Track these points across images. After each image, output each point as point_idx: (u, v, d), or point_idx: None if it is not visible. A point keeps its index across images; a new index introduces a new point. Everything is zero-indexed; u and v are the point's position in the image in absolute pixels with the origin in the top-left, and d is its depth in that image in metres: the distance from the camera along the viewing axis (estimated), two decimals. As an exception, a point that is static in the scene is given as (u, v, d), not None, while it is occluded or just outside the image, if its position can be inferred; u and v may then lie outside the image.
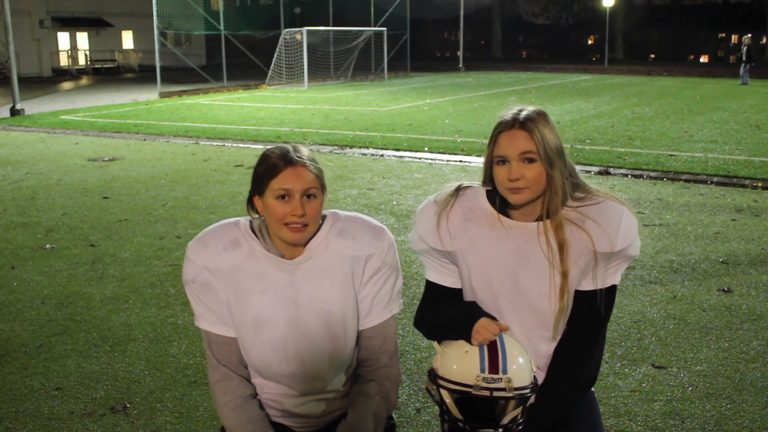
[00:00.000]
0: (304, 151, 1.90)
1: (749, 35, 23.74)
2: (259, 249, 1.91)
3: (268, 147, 1.96)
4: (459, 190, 2.03)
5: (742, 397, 3.40)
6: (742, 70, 25.24)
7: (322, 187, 1.90)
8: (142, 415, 3.26)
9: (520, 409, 1.87)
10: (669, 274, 5.17)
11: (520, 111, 1.91)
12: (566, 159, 1.92)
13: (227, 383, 1.96)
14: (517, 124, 1.88)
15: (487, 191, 2.00)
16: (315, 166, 1.89)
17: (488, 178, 1.97)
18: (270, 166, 1.86)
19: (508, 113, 1.93)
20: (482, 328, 1.88)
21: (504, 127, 1.90)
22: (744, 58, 25.04)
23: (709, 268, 5.29)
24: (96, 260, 5.57)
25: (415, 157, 10.33)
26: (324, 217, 1.96)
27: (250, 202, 1.94)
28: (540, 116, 1.90)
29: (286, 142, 2.07)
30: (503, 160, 1.89)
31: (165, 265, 5.41)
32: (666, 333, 4.15)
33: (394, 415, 2.15)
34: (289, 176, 1.84)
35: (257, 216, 1.94)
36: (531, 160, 1.87)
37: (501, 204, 1.96)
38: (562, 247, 1.91)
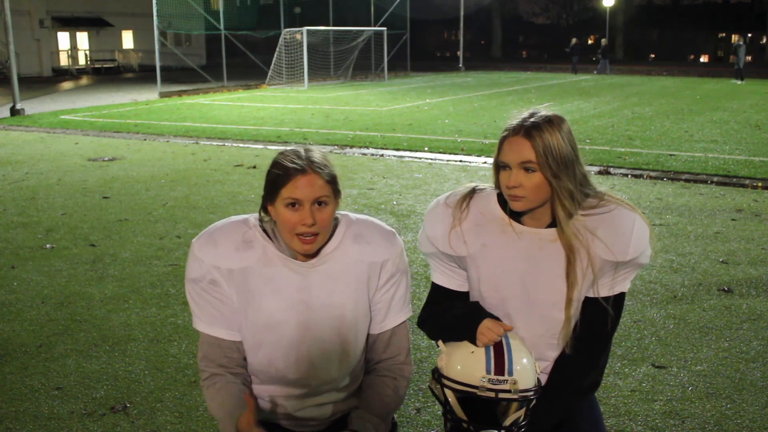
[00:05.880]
0: (316, 156, 1.83)
1: (605, 39, 32.99)
2: (272, 250, 1.86)
3: (280, 150, 1.88)
4: (474, 192, 1.98)
5: (742, 397, 3.40)
6: (600, 65, 32.63)
7: (335, 193, 1.84)
8: (142, 415, 3.26)
9: (522, 411, 1.86)
10: (669, 274, 5.17)
11: (530, 117, 1.85)
12: (578, 167, 1.86)
13: (218, 377, 1.89)
14: (521, 131, 1.83)
15: (498, 195, 1.95)
16: (327, 171, 1.82)
17: (497, 181, 1.92)
18: (280, 174, 1.80)
19: (517, 117, 1.88)
20: (487, 330, 1.85)
21: (509, 132, 1.86)
22: (600, 53, 33.22)
23: (709, 268, 5.29)
24: (96, 260, 5.57)
25: (415, 157, 10.32)
26: (336, 219, 1.91)
27: (264, 209, 1.88)
28: (548, 123, 1.83)
29: (306, 141, 2.01)
30: (506, 166, 1.86)
31: (165, 265, 5.42)
32: (666, 333, 4.15)
33: (395, 415, 2.14)
34: (299, 184, 1.78)
35: (269, 219, 1.89)
36: (531, 170, 1.82)
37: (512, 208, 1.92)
38: (569, 257, 1.88)
